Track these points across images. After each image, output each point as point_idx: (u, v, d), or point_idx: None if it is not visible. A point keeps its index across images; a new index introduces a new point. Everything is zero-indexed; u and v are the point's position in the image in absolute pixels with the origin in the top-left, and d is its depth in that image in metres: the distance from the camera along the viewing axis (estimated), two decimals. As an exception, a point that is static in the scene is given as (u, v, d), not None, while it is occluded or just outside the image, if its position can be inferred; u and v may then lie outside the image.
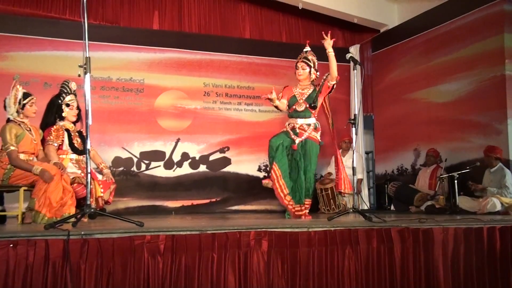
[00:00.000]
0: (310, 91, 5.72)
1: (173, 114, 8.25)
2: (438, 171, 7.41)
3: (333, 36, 9.44)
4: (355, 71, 5.14)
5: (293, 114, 5.72)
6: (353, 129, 5.02)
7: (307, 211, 5.54)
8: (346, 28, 9.68)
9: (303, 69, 5.74)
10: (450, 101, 7.66)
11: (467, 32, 7.42)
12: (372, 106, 9.38)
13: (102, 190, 5.17)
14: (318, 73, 5.80)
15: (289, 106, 5.75)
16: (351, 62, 5.23)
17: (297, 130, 5.63)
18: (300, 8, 8.54)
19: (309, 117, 5.67)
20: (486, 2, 7.15)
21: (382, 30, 9.33)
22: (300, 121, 5.67)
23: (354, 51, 9.22)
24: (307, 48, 5.88)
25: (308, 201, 5.56)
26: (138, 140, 7.98)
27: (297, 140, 5.58)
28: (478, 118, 7.16)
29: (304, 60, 5.75)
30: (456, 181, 6.65)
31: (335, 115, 9.00)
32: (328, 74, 5.65)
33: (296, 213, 5.47)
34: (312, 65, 5.75)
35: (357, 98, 5.29)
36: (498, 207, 6.26)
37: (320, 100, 5.70)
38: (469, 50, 7.37)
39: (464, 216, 5.51)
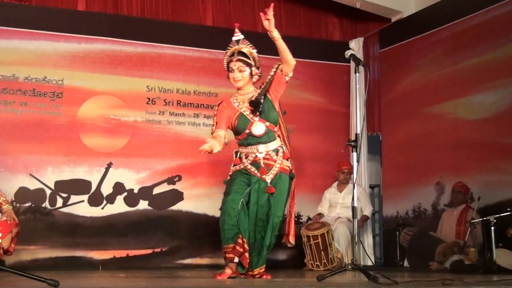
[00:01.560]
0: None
1: (104, 129, 8.23)
2: (468, 213, 7.47)
3: (329, 25, 9.78)
4: (357, 74, 5.17)
5: (249, 140, 5.38)
6: (354, 154, 5.04)
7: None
8: (345, 16, 9.82)
9: (240, 71, 5.36)
10: (484, 117, 7.77)
11: (508, 25, 7.56)
12: (380, 123, 9.49)
13: (0, 235, 5.09)
14: (260, 72, 5.48)
15: (239, 131, 5.41)
16: (352, 61, 5.28)
17: (262, 164, 5.32)
18: (282, -14, 8.66)
19: (274, 139, 5.40)
20: (535, -15, 7.33)
21: (393, 19, 9.48)
22: (262, 148, 5.34)
23: (355, 46, 9.33)
24: (239, 36, 5.47)
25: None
26: (53, 165, 7.91)
27: (268, 178, 5.26)
28: (523, 142, 7.30)
29: (240, 58, 5.37)
30: (492, 228, 6.70)
31: (330, 134, 9.17)
32: (280, 64, 5.37)
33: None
34: (252, 62, 5.39)
35: (359, 111, 5.30)
36: (549, 265, 6.34)
37: (276, 105, 5.44)
38: (511, 49, 7.53)
39: (503, 276, 5.56)
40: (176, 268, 8.01)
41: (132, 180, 8.28)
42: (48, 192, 7.86)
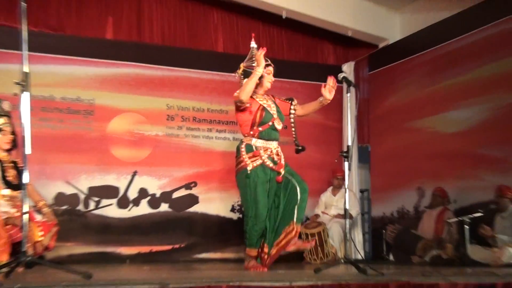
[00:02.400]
0: (273, 104, 5.52)
1: (129, 142, 8.26)
2: (445, 214, 7.49)
3: (324, 51, 9.81)
4: (348, 94, 5.22)
5: (271, 134, 5.41)
6: (346, 163, 5.07)
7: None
8: (338, 42, 9.85)
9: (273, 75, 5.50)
10: (460, 131, 7.80)
11: (480, 50, 7.59)
12: (369, 136, 9.51)
13: (41, 234, 5.13)
14: None
15: (263, 122, 5.36)
16: (344, 83, 5.33)
17: (276, 159, 5.37)
18: (284, 17, 8.67)
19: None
20: (503, 16, 7.31)
21: (381, 45, 9.53)
22: (275, 144, 5.44)
23: (347, 69, 9.36)
24: (255, 44, 5.71)
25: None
26: (87, 173, 7.95)
27: (282, 171, 5.34)
28: (493, 152, 7.29)
29: (270, 63, 5.50)
30: (466, 226, 6.73)
31: (325, 145, 9.20)
32: (297, 104, 5.59)
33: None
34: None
35: (351, 126, 5.35)
36: (516, 259, 6.35)
37: None
38: (483, 72, 7.52)
39: (475, 268, 5.57)
40: (192, 262, 8.01)
41: (155, 186, 8.31)
42: (82, 196, 7.91)
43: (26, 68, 3.84)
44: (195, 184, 8.51)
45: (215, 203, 8.58)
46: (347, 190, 5.03)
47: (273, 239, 5.38)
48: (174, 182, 8.42)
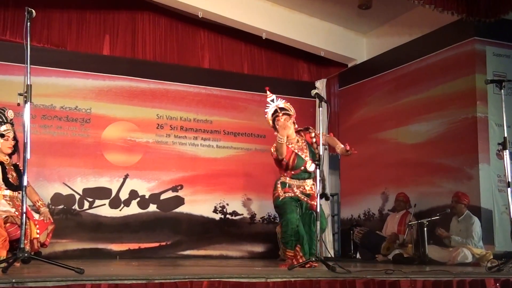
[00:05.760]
0: (305, 144, 5.49)
1: (122, 148, 8.18)
2: (407, 217, 7.49)
3: (300, 69, 9.82)
4: (320, 108, 5.20)
5: (304, 175, 5.46)
6: (318, 170, 5.04)
7: None
8: (312, 62, 9.86)
9: (291, 124, 5.38)
10: (420, 142, 7.83)
11: (438, 71, 7.65)
12: (339, 145, 9.49)
13: (38, 231, 5.04)
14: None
15: (295, 168, 5.40)
16: (317, 98, 5.30)
17: (308, 192, 5.42)
18: (263, 38, 8.70)
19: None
20: (457, 41, 7.39)
21: (350, 65, 9.55)
22: (309, 182, 5.47)
23: (320, 85, 9.38)
24: (272, 96, 5.48)
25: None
26: (82, 176, 7.85)
27: (313, 203, 5.24)
28: (449, 162, 7.33)
29: (285, 112, 5.37)
30: (425, 228, 6.74)
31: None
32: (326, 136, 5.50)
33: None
34: (292, 113, 5.44)
35: (322, 137, 5.33)
36: (469, 259, 6.35)
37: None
38: (440, 90, 7.59)
39: (433, 267, 5.58)
40: (177, 258, 7.98)
41: (144, 188, 8.23)
42: (77, 197, 7.81)
43: (29, 82, 3.77)
44: (181, 187, 8.43)
45: (199, 204, 8.50)
46: (318, 195, 4.99)
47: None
48: (162, 185, 8.34)
